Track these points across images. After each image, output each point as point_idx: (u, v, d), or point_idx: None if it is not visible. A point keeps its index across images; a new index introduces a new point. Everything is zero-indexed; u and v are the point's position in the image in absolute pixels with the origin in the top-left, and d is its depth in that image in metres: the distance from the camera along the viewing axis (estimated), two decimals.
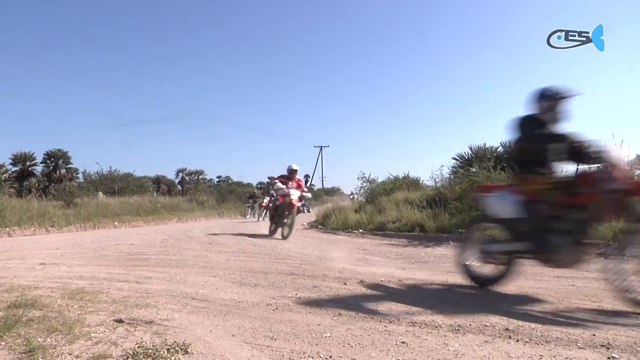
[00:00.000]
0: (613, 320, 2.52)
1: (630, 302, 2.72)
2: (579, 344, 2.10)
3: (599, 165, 2.94)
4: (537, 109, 3.22)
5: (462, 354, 2.00)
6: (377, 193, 12.16)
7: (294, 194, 7.94)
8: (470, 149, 11.84)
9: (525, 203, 3.14)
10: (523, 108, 3.32)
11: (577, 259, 3.07)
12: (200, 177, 32.98)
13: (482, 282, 3.43)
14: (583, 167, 3.07)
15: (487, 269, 3.46)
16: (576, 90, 3.12)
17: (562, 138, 3.07)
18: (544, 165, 3.17)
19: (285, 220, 8.03)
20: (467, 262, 3.53)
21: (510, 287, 3.45)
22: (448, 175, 11.46)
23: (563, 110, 3.15)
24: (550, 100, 3.15)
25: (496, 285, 3.38)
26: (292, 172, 8.38)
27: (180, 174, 32.34)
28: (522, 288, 3.43)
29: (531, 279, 3.82)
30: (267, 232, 8.83)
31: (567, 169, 3.28)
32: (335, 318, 2.65)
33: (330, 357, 2.00)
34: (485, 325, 2.44)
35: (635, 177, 7.43)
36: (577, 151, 3.02)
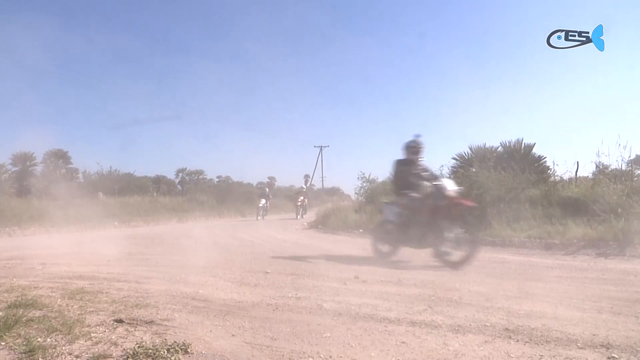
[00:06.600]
0: (613, 320, 2.53)
1: None
2: (579, 344, 2.10)
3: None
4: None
5: (462, 354, 2.00)
6: (377, 193, 12.14)
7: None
8: (470, 149, 11.74)
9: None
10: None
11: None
12: (200, 177, 32.91)
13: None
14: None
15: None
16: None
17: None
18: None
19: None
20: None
21: (510, 287, 3.46)
22: (448, 176, 11.44)
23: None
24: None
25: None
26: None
27: (180, 174, 32.28)
28: (523, 288, 3.43)
29: (531, 279, 3.83)
30: (273, 232, 10.40)
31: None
32: (335, 318, 2.65)
33: (330, 357, 2.00)
34: (485, 325, 2.43)
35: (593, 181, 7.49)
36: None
